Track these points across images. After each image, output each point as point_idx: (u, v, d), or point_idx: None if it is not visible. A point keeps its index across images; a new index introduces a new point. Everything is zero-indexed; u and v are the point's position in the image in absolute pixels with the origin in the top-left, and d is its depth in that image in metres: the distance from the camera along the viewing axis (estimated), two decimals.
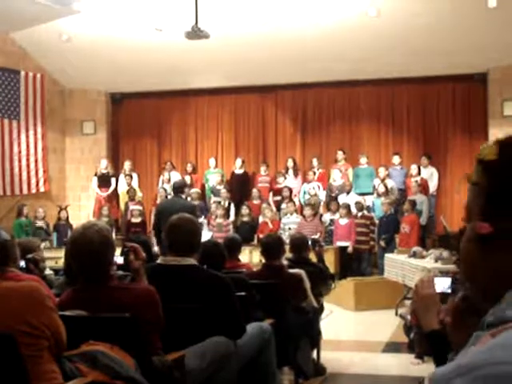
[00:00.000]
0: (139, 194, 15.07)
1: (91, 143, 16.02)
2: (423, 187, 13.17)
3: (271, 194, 14.46)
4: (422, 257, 9.09)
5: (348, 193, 13.62)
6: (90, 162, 15.79)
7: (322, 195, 14.10)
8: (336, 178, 13.99)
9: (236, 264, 6.08)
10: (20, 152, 14.47)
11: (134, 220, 13.97)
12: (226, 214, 13.68)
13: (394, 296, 9.82)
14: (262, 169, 14.93)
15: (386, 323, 8.98)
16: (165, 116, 16.26)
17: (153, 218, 14.16)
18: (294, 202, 13.64)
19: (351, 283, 10.56)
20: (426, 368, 5.58)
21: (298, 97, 15.58)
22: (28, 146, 14.59)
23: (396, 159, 14.10)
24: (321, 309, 6.55)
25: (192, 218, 4.15)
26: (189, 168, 15.34)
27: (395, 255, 10.32)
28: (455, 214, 13.57)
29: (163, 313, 3.38)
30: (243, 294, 4.41)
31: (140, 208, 14.33)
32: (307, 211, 12.89)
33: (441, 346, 1.72)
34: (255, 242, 12.74)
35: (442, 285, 1.76)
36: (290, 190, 13.94)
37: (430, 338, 1.84)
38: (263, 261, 5.94)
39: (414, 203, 12.25)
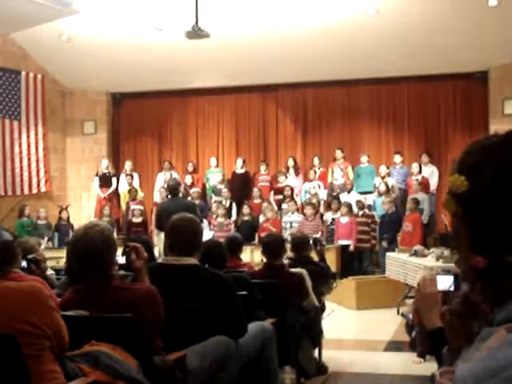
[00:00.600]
0: (140, 194, 15.08)
1: (92, 143, 16.03)
2: (424, 186, 13.17)
3: (272, 193, 14.47)
4: (424, 255, 9.09)
5: (349, 192, 13.62)
6: (91, 161, 15.80)
7: (323, 194, 14.11)
8: (337, 176, 14.00)
9: (237, 263, 6.08)
10: (21, 152, 14.48)
11: (135, 220, 13.97)
12: (228, 214, 13.68)
13: (396, 295, 9.81)
14: (263, 168, 14.94)
15: (388, 322, 8.99)
16: (165, 115, 16.27)
17: (153, 217, 14.29)
18: (295, 201, 13.65)
19: (353, 282, 10.55)
20: (428, 367, 5.58)
21: (299, 96, 15.58)
22: (29, 146, 14.60)
23: (397, 158, 14.10)
24: (322, 308, 6.55)
25: (193, 218, 4.15)
26: (190, 167, 15.35)
27: (397, 254, 10.32)
28: None
29: (165, 312, 3.38)
30: (245, 293, 4.41)
31: (141, 208, 14.33)
32: (308, 210, 12.89)
33: (443, 345, 1.72)
34: (256, 241, 12.74)
35: (445, 283, 1.76)
36: (292, 189, 13.94)
37: (432, 337, 1.84)
38: (264, 260, 5.94)
39: (417, 202, 12.25)
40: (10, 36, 13.93)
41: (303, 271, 5.86)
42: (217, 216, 13.44)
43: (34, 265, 4.54)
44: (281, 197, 14.06)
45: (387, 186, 13.18)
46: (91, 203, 15.53)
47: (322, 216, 13.34)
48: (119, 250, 3.53)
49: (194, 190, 14.17)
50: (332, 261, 10.91)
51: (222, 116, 16.10)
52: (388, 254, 10.62)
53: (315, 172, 14.47)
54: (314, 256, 7.25)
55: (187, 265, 3.93)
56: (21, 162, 14.49)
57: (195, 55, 13.31)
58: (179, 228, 4.03)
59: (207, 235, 10.47)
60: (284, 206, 13.65)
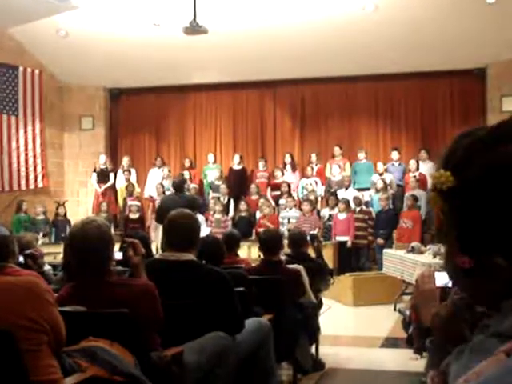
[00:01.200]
0: (137, 190, 15.07)
1: (89, 138, 16.02)
2: (422, 182, 13.17)
3: (269, 189, 14.47)
4: (421, 252, 9.10)
5: (347, 188, 13.63)
6: (89, 157, 15.79)
7: (320, 190, 14.12)
8: (335, 173, 14.01)
9: (235, 259, 6.08)
10: (18, 147, 14.46)
11: (132, 216, 13.96)
12: (225, 210, 13.68)
13: (393, 291, 9.83)
14: (261, 164, 14.94)
15: (385, 318, 9.00)
16: (163, 111, 16.25)
17: (149, 213, 14.29)
18: (293, 197, 13.66)
19: (350, 278, 10.56)
20: (425, 363, 5.58)
21: (297, 92, 15.57)
22: (26, 141, 14.58)
23: (395, 155, 14.10)
24: (319, 304, 6.56)
25: (191, 214, 4.14)
26: (187, 163, 15.32)
27: (394, 250, 10.33)
28: None
29: (162, 308, 3.38)
30: (242, 289, 4.41)
31: (138, 204, 14.32)
32: (305, 206, 12.90)
33: None
34: (253, 237, 12.75)
35: (442, 279, 1.77)
36: (289, 185, 13.95)
37: (429, 333, 1.84)
38: (262, 256, 5.94)
39: (416, 198, 12.26)
40: (7, 31, 13.90)
41: (300, 267, 5.86)
42: (214, 212, 13.44)
43: (31, 260, 4.54)
44: (278, 193, 14.07)
45: (385, 182, 13.18)
46: (88, 199, 15.52)
47: (319, 212, 13.35)
48: (116, 246, 3.53)
49: (192, 187, 14.18)
50: (329, 257, 10.92)
51: (219, 112, 16.09)
52: (385, 250, 10.64)
53: (312, 168, 14.47)
54: (312, 252, 7.25)
55: (185, 261, 3.93)
56: (18, 157, 14.48)
57: (193, 51, 13.29)
58: (177, 224, 4.03)
59: (204, 231, 10.48)
60: (282, 201, 13.65)
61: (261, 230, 10.34)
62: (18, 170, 14.49)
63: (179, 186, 10.13)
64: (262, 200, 13.58)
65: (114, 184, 15.21)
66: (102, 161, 15.23)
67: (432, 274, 1.57)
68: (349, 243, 12.47)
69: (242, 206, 13.56)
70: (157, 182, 14.71)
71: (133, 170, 15.49)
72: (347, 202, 12.73)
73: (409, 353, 6.48)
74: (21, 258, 4.33)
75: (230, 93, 15.89)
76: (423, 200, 12.81)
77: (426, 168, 13.69)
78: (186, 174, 14.76)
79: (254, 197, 14.00)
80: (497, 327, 1.03)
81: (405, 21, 12.24)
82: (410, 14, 12.02)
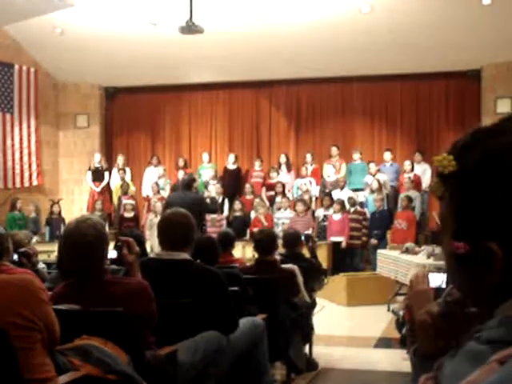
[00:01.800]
0: (132, 189, 15.06)
1: (84, 137, 15.99)
2: (416, 183, 13.19)
3: (264, 189, 14.47)
4: (415, 253, 9.11)
5: (342, 188, 13.63)
6: (84, 155, 15.77)
7: (315, 190, 14.12)
8: (330, 173, 14.02)
9: (229, 259, 6.09)
10: (13, 145, 14.45)
11: (126, 214, 13.95)
12: (220, 209, 13.68)
13: (387, 292, 9.85)
14: (257, 164, 14.93)
15: (378, 319, 9.01)
16: (158, 110, 16.24)
17: (144, 212, 14.29)
18: (288, 198, 13.67)
19: (344, 279, 10.57)
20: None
21: (292, 92, 15.59)
22: (21, 139, 14.56)
23: (387, 155, 14.12)
24: (313, 304, 6.57)
25: (186, 213, 4.13)
26: (180, 162, 15.28)
27: (388, 251, 10.34)
28: None
29: (156, 307, 3.38)
30: (236, 288, 4.41)
31: (133, 202, 14.31)
32: (299, 207, 12.90)
33: None
34: (248, 237, 12.75)
35: (437, 280, 1.77)
36: (284, 186, 13.95)
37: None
38: (256, 256, 5.95)
39: (410, 199, 12.28)
40: (3, 28, 13.87)
41: (295, 267, 5.87)
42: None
43: (26, 258, 4.53)
44: (273, 193, 14.08)
45: (379, 183, 13.20)
46: (83, 197, 15.50)
47: (313, 212, 13.36)
48: (111, 245, 3.53)
49: None
50: (323, 257, 10.93)
51: (215, 111, 16.09)
52: (379, 251, 10.65)
53: (307, 168, 14.48)
54: (306, 252, 7.26)
55: (179, 260, 3.93)
56: (13, 155, 14.46)
57: (189, 50, 13.30)
58: (171, 223, 4.03)
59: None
60: (277, 201, 13.66)
61: (255, 229, 10.35)
62: (13, 168, 14.47)
63: (188, 184, 10.02)
64: (257, 200, 13.58)
65: (108, 182, 15.20)
66: (97, 159, 15.21)
67: (426, 275, 1.57)
68: (343, 244, 12.48)
69: (237, 205, 13.56)
70: (152, 181, 14.71)
71: (127, 169, 15.48)
72: (342, 203, 12.74)
73: (402, 353, 6.49)
74: (15, 256, 4.32)
75: (225, 92, 15.90)
76: (418, 201, 12.84)
77: (421, 169, 13.71)
78: (181, 174, 14.73)
79: (249, 196, 14.00)
80: (490, 334, 1.03)
81: (400, 22, 12.26)
82: (406, 15, 12.03)
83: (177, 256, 3.94)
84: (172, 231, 3.99)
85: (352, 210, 12.84)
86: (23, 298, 2.66)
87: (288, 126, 15.71)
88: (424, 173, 13.73)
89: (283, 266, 5.84)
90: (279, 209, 13.42)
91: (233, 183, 14.77)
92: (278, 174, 14.52)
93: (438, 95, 14.80)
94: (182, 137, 16.26)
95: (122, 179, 14.98)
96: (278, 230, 12.03)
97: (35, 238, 12.11)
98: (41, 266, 5.72)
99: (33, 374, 2.60)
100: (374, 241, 12.30)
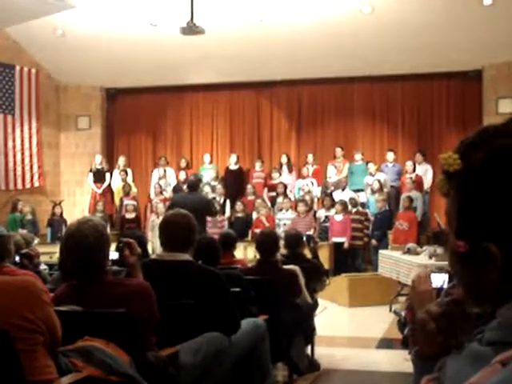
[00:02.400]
0: (134, 190, 15.06)
1: (86, 138, 16.00)
2: (418, 184, 13.18)
3: (266, 189, 14.47)
4: (417, 253, 9.11)
5: (343, 189, 13.62)
6: (85, 156, 15.77)
7: (317, 191, 14.12)
8: (331, 174, 14.02)
9: (231, 260, 6.08)
10: (15, 147, 14.45)
11: (128, 215, 13.95)
12: (221, 210, 13.67)
13: (388, 292, 9.83)
14: (258, 164, 14.93)
15: (380, 319, 9.00)
16: (160, 111, 16.24)
17: (148, 213, 14.30)
18: (289, 198, 13.66)
19: (345, 279, 10.57)
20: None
21: (293, 93, 15.59)
22: (23, 140, 14.56)
23: (390, 156, 14.11)
24: (315, 305, 6.56)
25: (187, 214, 4.12)
26: (183, 163, 15.29)
27: (389, 251, 10.34)
28: None
29: (158, 308, 3.38)
30: (238, 289, 4.41)
31: (134, 203, 14.31)
32: (301, 207, 12.90)
33: None
34: (249, 237, 12.75)
35: (439, 281, 1.77)
36: (285, 186, 13.95)
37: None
38: (258, 257, 5.94)
39: (411, 200, 12.28)
40: (4, 30, 13.88)
41: (296, 268, 5.86)
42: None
43: (27, 260, 4.53)
44: (274, 194, 14.08)
45: (380, 183, 13.19)
46: (84, 198, 15.50)
47: (315, 213, 13.35)
48: (112, 246, 3.53)
49: None
50: (325, 258, 10.93)
51: (216, 112, 16.09)
52: (381, 251, 10.64)
53: (308, 169, 14.48)
54: (308, 253, 7.26)
55: (180, 261, 3.93)
56: (14, 156, 14.46)
57: (190, 51, 13.29)
58: (173, 224, 4.02)
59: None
60: (278, 202, 13.66)
61: (257, 230, 10.35)
62: (14, 170, 14.47)
63: (194, 185, 9.99)
64: (258, 201, 13.58)
65: (110, 184, 15.21)
66: (98, 161, 15.22)
67: (428, 275, 1.57)
68: (345, 244, 12.47)
69: (239, 206, 13.56)
70: (154, 182, 14.74)
71: (129, 170, 15.48)
72: (344, 204, 12.72)
73: (404, 354, 6.48)
74: (16, 258, 4.32)
75: (226, 93, 15.90)
76: (419, 201, 12.83)
77: (422, 170, 13.70)
78: (183, 175, 14.73)
79: (251, 197, 14.00)
80: (492, 335, 1.03)
81: (401, 23, 12.26)
82: (407, 15, 12.03)
83: (178, 257, 3.93)
84: (173, 232, 3.99)
85: (354, 210, 12.83)
86: (25, 299, 2.66)
87: (289, 127, 15.71)
88: (425, 173, 13.73)
89: (285, 266, 5.84)
90: (281, 209, 13.42)
91: (234, 184, 14.76)
92: (280, 174, 14.52)
93: (439, 95, 14.80)
94: (184, 137, 16.26)
95: (124, 180, 14.98)
96: (280, 231, 12.03)
97: (37, 240, 12.11)
98: (42, 267, 5.73)
99: (35, 375, 2.60)
100: (373, 242, 12.29)
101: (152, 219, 13.31)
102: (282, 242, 6.62)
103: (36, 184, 14.96)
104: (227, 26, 12.74)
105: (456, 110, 14.65)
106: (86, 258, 3.29)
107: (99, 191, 15.03)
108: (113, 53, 13.85)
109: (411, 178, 13.20)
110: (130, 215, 13.95)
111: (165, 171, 15.05)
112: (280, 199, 13.63)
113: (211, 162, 15.42)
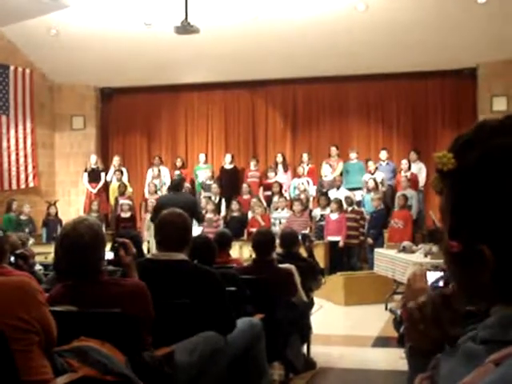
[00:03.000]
0: (129, 189, 15.05)
1: (81, 138, 15.97)
2: (413, 182, 13.20)
3: (261, 189, 14.48)
4: (412, 252, 9.12)
5: (338, 188, 13.64)
6: (80, 156, 15.75)
7: (312, 190, 14.12)
8: (327, 173, 14.03)
9: (226, 259, 6.08)
10: (9, 147, 14.41)
11: (123, 215, 13.94)
12: (217, 210, 13.67)
13: (384, 291, 9.85)
14: (252, 164, 14.92)
15: (376, 318, 9.00)
16: (154, 111, 16.22)
17: (142, 213, 14.28)
18: (285, 197, 13.67)
19: (341, 278, 10.57)
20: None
21: (288, 92, 15.59)
22: (17, 140, 14.53)
23: (383, 154, 14.13)
24: (311, 303, 6.57)
25: (182, 213, 4.13)
26: (178, 163, 15.30)
27: (385, 250, 10.35)
28: None
29: (153, 308, 3.38)
30: (233, 289, 4.41)
31: (130, 203, 14.31)
32: (296, 206, 12.91)
33: None
34: (245, 237, 12.75)
35: (434, 279, 1.77)
36: (281, 185, 13.95)
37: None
38: (253, 256, 5.94)
39: (407, 198, 12.29)
40: None
41: (292, 267, 5.86)
42: (206, 212, 13.42)
43: (22, 260, 4.52)
44: (270, 193, 14.08)
45: (376, 182, 13.21)
46: (79, 198, 15.49)
47: (310, 212, 13.36)
48: (108, 246, 3.53)
49: (185, 186, 14.16)
50: (321, 257, 10.93)
51: (211, 112, 16.08)
52: (376, 250, 10.65)
53: (303, 168, 14.48)
54: (303, 252, 7.26)
55: (176, 260, 3.93)
56: (9, 156, 14.42)
57: (184, 50, 13.28)
58: (168, 223, 4.02)
59: (196, 231, 10.47)
60: (274, 201, 13.66)
61: (253, 229, 10.34)
62: (9, 170, 14.43)
63: (177, 185, 9.99)
64: (254, 200, 13.58)
65: (105, 184, 15.19)
66: (93, 160, 15.21)
67: (424, 274, 1.56)
68: (341, 243, 12.48)
69: (234, 205, 13.56)
70: (148, 181, 14.74)
71: (124, 170, 15.47)
72: (340, 202, 12.73)
73: (400, 352, 6.48)
74: (11, 258, 4.31)
75: (221, 92, 15.89)
76: (414, 200, 12.85)
77: (417, 168, 13.72)
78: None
79: (246, 196, 14.00)
80: (485, 334, 1.03)
81: (395, 21, 12.27)
82: (401, 13, 12.04)
83: (173, 256, 3.93)
84: (169, 232, 3.99)
85: (349, 209, 12.84)
86: (20, 300, 2.65)
87: (284, 126, 15.70)
88: (420, 172, 13.75)
89: (280, 265, 5.84)
90: (276, 209, 13.43)
91: (230, 183, 14.76)
92: (276, 173, 14.52)
93: (433, 94, 14.81)
94: (179, 137, 16.24)
95: (119, 180, 14.97)
96: (275, 230, 12.03)
97: (32, 240, 12.08)
98: (37, 267, 5.71)
99: (30, 376, 2.59)
100: (369, 240, 12.31)
101: (147, 218, 13.29)
102: (277, 241, 6.62)
103: (31, 184, 14.93)
104: (222, 25, 12.73)
105: (451, 109, 14.67)
106: (81, 258, 3.28)
107: (94, 191, 15.03)
108: (107, 52, 13.83)
109: (406, 176, 13.22)
110: (126, 214, 13.94)
111: (159, 170, 15.05)
112: (275, 198, 13.64)
113: (206, 162, 15.42)
